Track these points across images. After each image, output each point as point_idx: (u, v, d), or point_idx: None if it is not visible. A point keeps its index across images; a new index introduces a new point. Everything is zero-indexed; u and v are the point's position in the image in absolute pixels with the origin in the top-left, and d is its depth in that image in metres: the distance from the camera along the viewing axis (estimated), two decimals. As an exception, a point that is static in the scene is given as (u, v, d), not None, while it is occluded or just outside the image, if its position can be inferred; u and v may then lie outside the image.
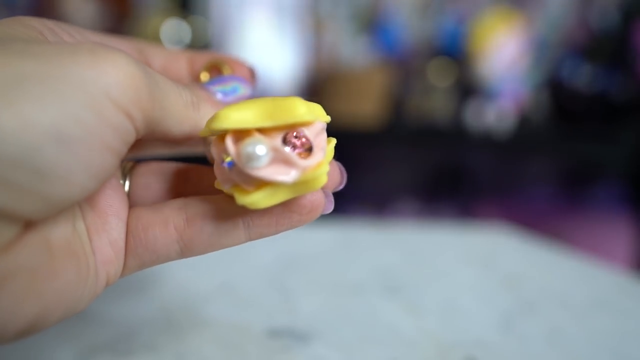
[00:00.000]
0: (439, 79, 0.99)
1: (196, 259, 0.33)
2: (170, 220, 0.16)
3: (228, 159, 0.14)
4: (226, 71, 0.19)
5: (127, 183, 0.18)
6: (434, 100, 0.98)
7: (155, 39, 0.93)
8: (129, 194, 0.18)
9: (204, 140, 0.18)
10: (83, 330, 0.24)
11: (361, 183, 1.04)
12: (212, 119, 0.15)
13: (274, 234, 0.16)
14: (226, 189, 0.15)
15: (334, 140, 0.17)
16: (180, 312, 0.27)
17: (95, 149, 0.12)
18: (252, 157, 0.14)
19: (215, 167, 0.16)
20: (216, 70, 0.19)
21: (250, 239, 0.16)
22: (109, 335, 0.24)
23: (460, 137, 0.97)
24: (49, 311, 0.13)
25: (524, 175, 1.14)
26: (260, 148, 0.14)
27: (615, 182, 1.09)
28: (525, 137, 0.99)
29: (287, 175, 0.14)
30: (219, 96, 0.18)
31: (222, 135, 0.15)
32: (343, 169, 0.17)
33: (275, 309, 0.28)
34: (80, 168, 0.12)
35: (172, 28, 0.95)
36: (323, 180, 0.15)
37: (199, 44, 0.96)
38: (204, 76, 0.20)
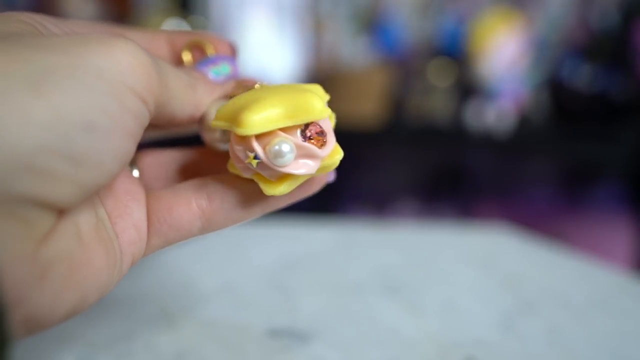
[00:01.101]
0: (439, 79, 0.99)
1: (196, 259, 0.33)
2: (192, 199, 0.17)
3: (253, 156, 0.15)
4: (209, 50, 0.20)
5: (134, 172, 0.19)
6: (434, 100, 0.98)
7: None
8: (140, 180, 0.18)
9: (200, 122, 0.18)
10: (83, 330, 0.24)
11: (361, 183, 1.04)
12: (238, 124, 0.15)
13: (287, 204, 0.18)
14: (246, 176, 0.16)
15: (333, 115, 0.18)
16: (180, 312, 0.27)
17: (119, 135, 0.13)
18: (279, 155, 0.15)
19: (233, 157, 0.16)
20: (198, 49, 0.20)
21: (266, 212, 0.18)
22: (109, 335, 0.24)
23: (460, 137, 0.97)
24: (87, 295, 0.14)
25: (524, 175, 1.14)
26: (285, 146, 0.15)
27: (615, 182, 1.09)
28: (525, 137, 0.99)
29: (310, 167, 0.16)
30: (212, 76, 0.19)
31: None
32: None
33: (275, 309, 0.28)
34: (107, 153, 0.13)
35: (172, 28, 0.95)
36: (338, 162, 0.17)
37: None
38: (186, 55, 0.20)
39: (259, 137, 0.16)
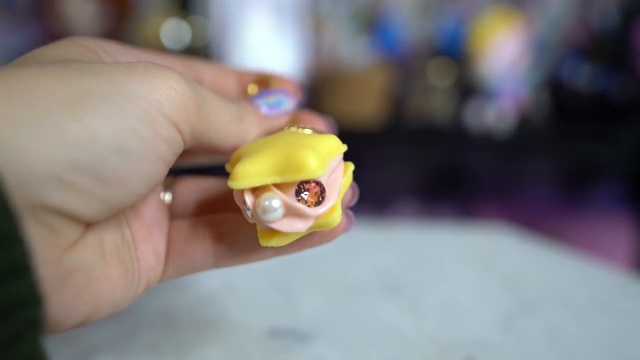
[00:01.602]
0: (439, 79, 0.99)
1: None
2: (207, 236, 0.17)
3: (246, 207, 0.15)
4: (273, 85, 0.20)
5: (166, 196, 0.19)
6: (434, 100, 0.98)
7: (155, 39, 0.93)
8: (169, 207, 0.19)
9: None
10: (83, 330, 0.24)
11: (361, 183, 1.04)
12: (230, 177, 0.15)
13: (299, 251, 0.18)
14: (250, 222, 0.16)
15: (351, 167, 0.18)
16: (180, 312, 0.27)
17: (150, 159, 0.14)
18: (267, 210, 0.15)
19: (237, 201, 0.16)
20: (264, 84, 0.20)
21: (276, 256, 0.18)
22: (109, 335, 0.24)
23: (460, 137, 0.97)
24: (100, 308, 0.14)
25: (524, 175, 1.14)
26: (275, 202, 0.15)
27: (615, 182, 1.09)
28: (525, 137, 0.99)
29: (298, 227, 0.15)
30: (264, 109, 0.19)
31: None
32: (355, 186, 0.19)
33: (276, 309, 0.28)
34: (135, 176, 0.14)
35: (172, 28, 0.95)
36: (337, 221, 0.16)
37: (199, 44, 0.96)
38: (252, 89, 0.20)
39: (254, 189, 0.16)
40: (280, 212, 0.15)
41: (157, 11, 0.95)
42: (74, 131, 0.12)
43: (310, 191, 0.15)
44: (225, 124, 0.17)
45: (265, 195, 0.15)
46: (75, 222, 0.13)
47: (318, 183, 0.16)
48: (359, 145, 0.93)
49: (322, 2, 1.00)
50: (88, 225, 0.14)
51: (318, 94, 0.97)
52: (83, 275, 0.14)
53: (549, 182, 1.15)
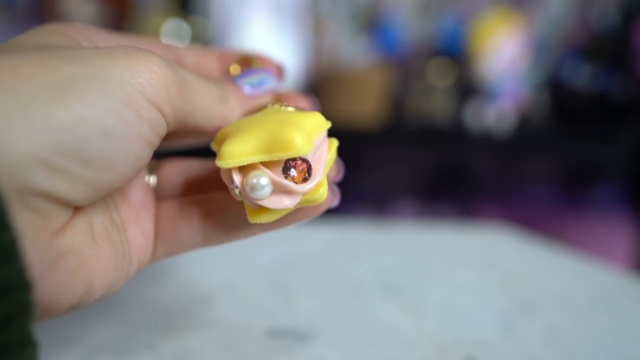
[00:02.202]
0: (439, 79, 0.99)
1: (196, 259, 0.33)
2: (194, 214, 0.18)
3: (235, 186, 0.16)
4: (255, 64, 0.20)
5: (151, 179, 0.19)
6: (434, 100, 0.98)
7: (156, 39, 0.93)
8: (155, 189, 0.19)
9: None
10: (83, 330, 0.24)
11: (361, 183, 1.04)
12: (218, 157, 0.16)
13: (286, 227, 0.18)
14: (238, 200, 0.17)
15: (335, 143, 0.18)
16: (180, 312, 0.27)
17: (134, 141, 0.14)
18: (255, 188, 0.15)
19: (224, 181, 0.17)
20: (246, 64, 0.20)
21: (264, 232, 0.18)
22: (109, 335, 0.24)
23: (460, 137, 0.97)
24: (93, 290, 0.15)
25: (524, 175, 1.14)
26: (263, 179, 0.15)
27: (615, 182, 1.09)
28: (525, 137, 0.99)
29: (286, 203, 0.16)
30: (247, 89, 0.19)
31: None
32: (340, 162, 0.19)
33: (275, 308, 0.28)
34: (121, 158, 0.14)
35: (172, 28, 0.95)
36: (323, 197, 0.16)
37: (199, 44, 0.96)
38: (234, 69, 0.20)
39: (241, 168, 0.16)
40: (268, 189, 0.15)
41: (157, 11, 0.95)
42: (59, 116, 0.13)
43: (297, 168, 0.16)
44: (208, 105, 0.17)
45: (253, 173, 0.15)
46: (63, 205, 0.13)
47: (304, 160, 0.16)
48: (359, 145, 0.93)
49: (322, 2, 1.00)
50: (76, 208, 0.14)
51: (318, 94, 0.97)
52: (74, 257, 0.14)
53: (548, 182, 1.15)
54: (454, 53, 1.01)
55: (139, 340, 0.24)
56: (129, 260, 0.16)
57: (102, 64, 0.14)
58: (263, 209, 0.16)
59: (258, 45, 0.96)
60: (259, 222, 0.16)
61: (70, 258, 0.14)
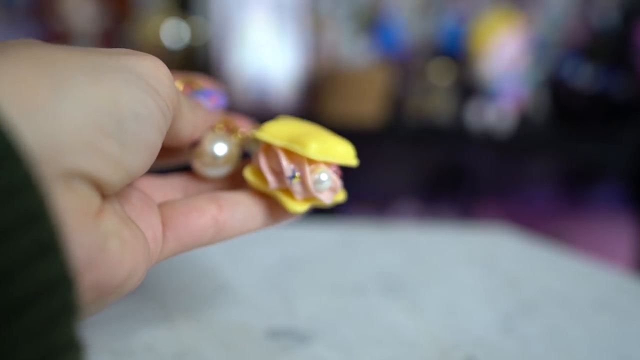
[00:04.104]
0: (439, 78, 0.99)
1: (196, 259, 0.33)
2: (206, 208, 0.18)
3: (298, 175, 0.19)
4: (197, 86, 0.22)
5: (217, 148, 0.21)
6: (434, 100, 0.98)
7: (155, 39, 0.93)
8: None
9: (191, 147, 0.20)
10: (83, 330, 0.24)
11: (361, 183, 1.04)
12: (306, 147, 0.18)
13: (289, 221, 0.20)
14: (270, 189, 0.19)
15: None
16: (180, 312, 0.27)
17: (155, 128, 0.15)
18: (319, 182, 0.19)
19: (266, 170, 0.19)
20: (189, 85, 0.22)
21: (272, 224, 0.20)
22: (109, 335, 0.24)
23: (461, 137, 0.97)
24: (137, 268, 0.15)
25: (525, 175, 1.14)
26: (330, 177, 0.19)
27: (617, 182, 1.09)
28: (525, 137, 0.98)
29: (330, 198, 0.19)
30: (206, 103, 0.21)
31: (267, 145, 0.20)
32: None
33: (275, 309, 0.28)
34: (145, 142, 0.14)
35: (172, 28, 0.95)
36: (341, 199, 0.21)
37: (199, 44, 0.96)
38: (180, 86, 0.22)
39: (289, 157, 0.19)
40: (328, 184, 0.19)
41: (156, 11, 0.95)
42: (98, 97, 0.13)
43: (337, 173, 0.20)
44: (186, 112, 0.18)
45: (321, 169, 0.19)
46: (98, 190, 0.13)
47: (338, 170, 0.20)
48: (359, 145, 0.93)
49: (322, 2, 1.00)
50: (103, 196, 0.14)
51: (318, 94, 0.97)
52: (117, 238, 0.14)
53: (549, 182, 1.15)
54: (455, 53, 1.01)
55: (139, 340, 0.24)
56: (149, 249, 0.16)
57: (118, 58, 0.14)
58: (305, 201, 0.19)
59: (258, 44, 0.96)
60: (297, 211, 0.19)
61: (114, 239, 0.14)
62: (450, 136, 0.98)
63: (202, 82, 0.22)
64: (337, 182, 0.19)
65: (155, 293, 0.29)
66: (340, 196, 0.20)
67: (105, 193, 0.14)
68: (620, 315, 0.29)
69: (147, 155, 0.15)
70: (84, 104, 0.12)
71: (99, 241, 0.13)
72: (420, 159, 1.10)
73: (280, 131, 0.20)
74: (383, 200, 1.07)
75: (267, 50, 0.96)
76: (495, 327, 0.27)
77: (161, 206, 0.18)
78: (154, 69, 0.15)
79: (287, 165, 0.19)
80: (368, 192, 1.06)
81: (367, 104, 0.93)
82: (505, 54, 0.98)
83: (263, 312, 0.27)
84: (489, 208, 1.09)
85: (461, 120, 0.98)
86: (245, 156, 0.22)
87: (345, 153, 0.19)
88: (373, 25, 1.03)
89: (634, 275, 0.35)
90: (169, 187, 0.21)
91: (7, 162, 0.10)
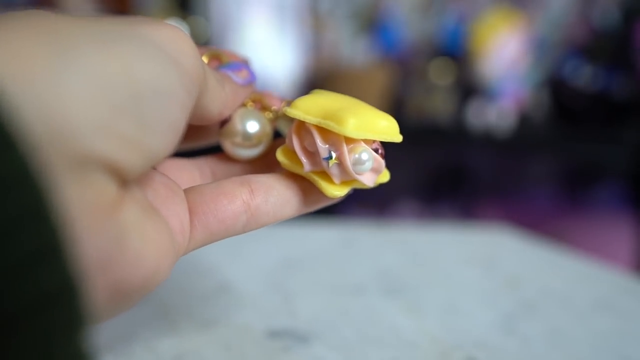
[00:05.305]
0: (439, 78, 0.99)
1: (196, 259, 0.33)
2: (237, 193, 0.16)
3: (336, 156, 0.16)
4: (225, 60, 0.20)
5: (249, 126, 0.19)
6: (435, 100, 0.98)
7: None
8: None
9: (221, 126, 0.19)
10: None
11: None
12: (343, 123, 0.16)
13: (324, 206, 0.18)
14: (304, 171, 0.17)
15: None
16: (180, 312, 0.27)
17: (177, 105, 0.13)
18: (359, 162, 0.17)
19: (301, 150, 0.17)
20: (216, 59, 0.20)
21: (308, 210, 0.18)
22: (109, 335, 0.24)
23: (461, 137, 0.97)
24: (161, 263, 0.13)
25: (525, 175, 1.14)
26: (369, 156, 0.17)
27: (617, 182, 1.09)
28: (526, 137, 0.98)
29: (373, 180, 0.17)
30: (235, 78, 0.18)
31: (300, 122, 0.17)
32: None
33: (275, 309, 0.28)
34: (167, 122, 0.13)
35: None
36: (386, 179, 0.19)
37: (199, 43, 0.96)
38: (206, 59, 0.20)
39: (323, 137, 0.17)
40: (369, 165, 0.17)
41: (157, 11, 0.95)
42: (110, 71, 0.11)
43: (379, 152, 0.17)
44: (213, 86, 0.16)
45: (362, 148, 0.17)
46: (115, 178, 0.12)
47: (381, 149, 0.18)
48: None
49: (322, 1, 1.00)
50: (122, 184, 0.13)
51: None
52: (137, 233, 0.12)
53: (550, 182, 1.14)
54: (455, 52, 1.01)
55: (139, 340, 0.24)
56: (174, 240, 0.15)
57: (133, 26, 0.13)
58: (344, 184, 0.17)
59: (258, 44, 0.96)
60: (334, 194, 0.17)
61: (134, 234, 0.12)
62: (450, 136, 0.98)
63: (230, 55, 0.20)
64: (380, 162, 0.17)
65: (155, 293, 0.29)
66: (385, 177, 0.18)
67: (124, 180, 0.12)
68: (620, 315, 0.29)
69: (170, 135, 0.13)
70: (92, 76, 0.11)
71: (117, 238, 0.12)
72: (420, 159, 1.09)
73: (314, 106, 0.17)
74: (383, 201, 1.07)
75: (267, 50, 0.96)
76: (495, 328, 0.27)
77: (187, 192, 0.16)
78: (176, 38, 0.13)
79: (322, 145, 0.17)
80: (368, 193, 1.06)
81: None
82: (506, 53, 0.98)
83: (263, 312, 0.27)
84: (489, 208, 1.09)
85: (461, 120, 0.98)
86: (277, 135, 0.20)
87: (388, 128, 0.17)
88: (373, 24, 1.02)
89: (634, 275, 0.35)
90: (196, 171, 0.19)
91: None
